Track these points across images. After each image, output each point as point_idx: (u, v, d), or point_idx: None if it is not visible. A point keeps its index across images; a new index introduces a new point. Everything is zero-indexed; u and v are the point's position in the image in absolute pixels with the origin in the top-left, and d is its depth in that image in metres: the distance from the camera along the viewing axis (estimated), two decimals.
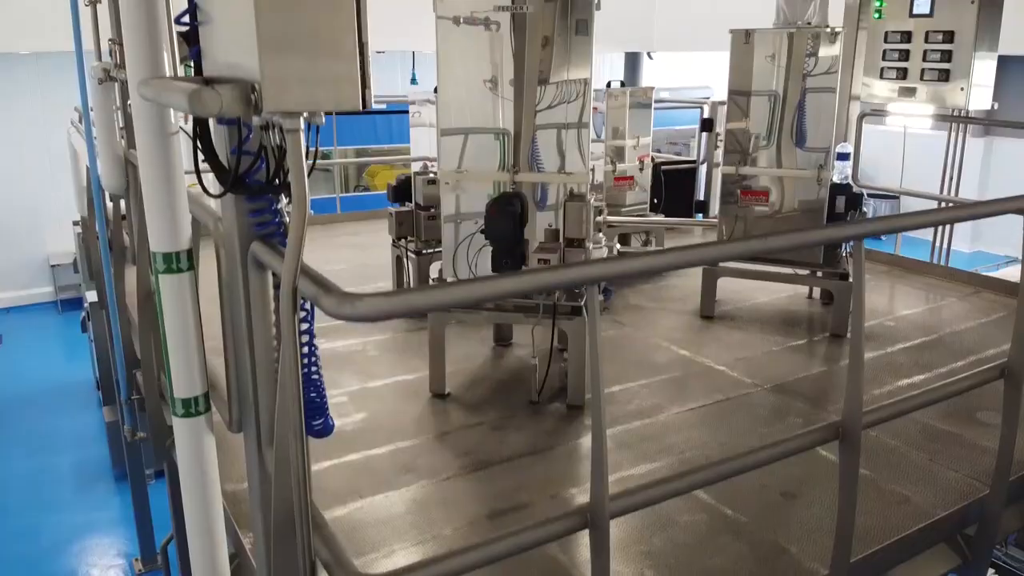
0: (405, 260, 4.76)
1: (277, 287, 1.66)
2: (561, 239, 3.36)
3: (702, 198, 7.06)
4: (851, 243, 4.44)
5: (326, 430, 1.97)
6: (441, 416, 3.47)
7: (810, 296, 5.08)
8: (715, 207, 6.03)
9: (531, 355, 3.58)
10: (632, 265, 1.60)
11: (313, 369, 1.92)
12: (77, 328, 11.37)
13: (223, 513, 2.06)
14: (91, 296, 8.32)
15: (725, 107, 4.90)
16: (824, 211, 4.40)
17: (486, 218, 3.32)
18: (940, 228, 5.92)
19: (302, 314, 1.74)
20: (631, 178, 5.47)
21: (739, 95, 4.64)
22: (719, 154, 6.48)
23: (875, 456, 3.06)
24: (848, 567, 2.20)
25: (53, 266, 13.20)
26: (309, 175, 1.40)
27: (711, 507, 2.73)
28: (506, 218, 3.29)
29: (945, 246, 7.39)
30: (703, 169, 7.03)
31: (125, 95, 3.22)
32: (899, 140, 10.95)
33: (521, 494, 2.83)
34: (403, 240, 4.63)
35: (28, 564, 7.01)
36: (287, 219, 1.60)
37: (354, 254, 6.29)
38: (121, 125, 3.32)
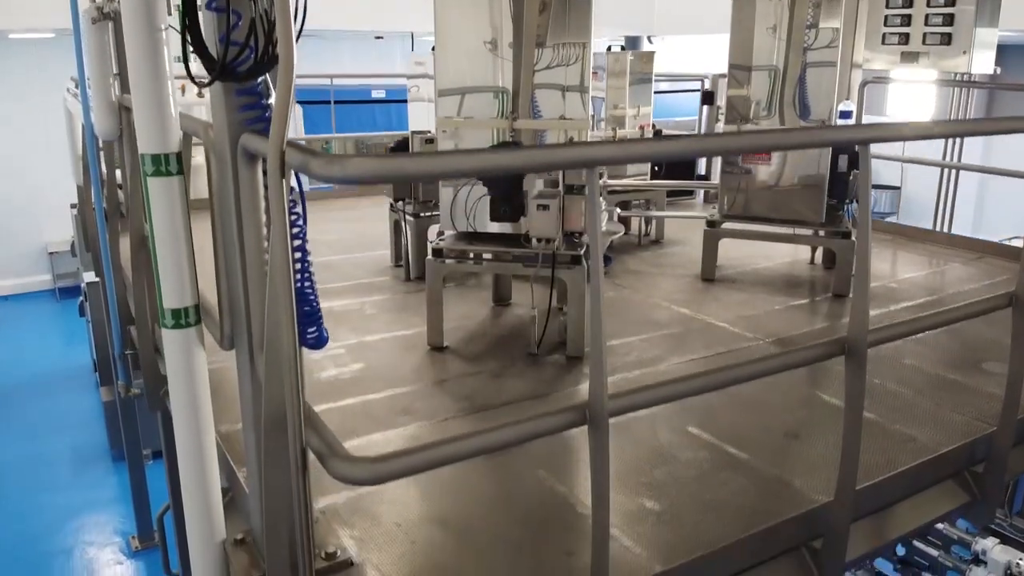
0: (403, 224, 4.70)
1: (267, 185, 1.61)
2: (561, 186, 3.32)
3: (703, 172, 7.01)
4: (854, 203, 4.40)
5: (320, 342, 1.92)
6: (439, 366, 3.42)
7: (812, 262, 5.04)
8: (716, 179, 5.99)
9: (530, 308, 3.53)
10: (636, 149, 1.56)
11: (307, 285, 1.87)
12: (75, 315, 11.33)
13: (213, 431, 2.02)
14: (88, 277, 8.29)
15: (726, 79, 4.86)
16: (827, 172, 4.36)
17: None
18: (941, 205, 5.85)
19: (292, 216, 1.70)
20: None
21: (739, 69, 4.59)
22: (720, 127, 6.46)
23: (881, 401, 3.01)
24: (853, 495, 2.15)
25: (51, 254, 13.15)
26: (297, 40, 1.36)
27: (713, 445, 2.68)
28: None
29: (946, 229, 7.35)
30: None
31: (119, 37, 3.18)
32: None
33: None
34: (401, 202, 4.58)
35: (25, 542, 6.95)
36: None
37: (351, 226, 6.24)
38: (115, 71, 3.27)
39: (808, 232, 4.51)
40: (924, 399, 3.06)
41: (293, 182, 1.47)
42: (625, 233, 5.83)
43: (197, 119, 1.97)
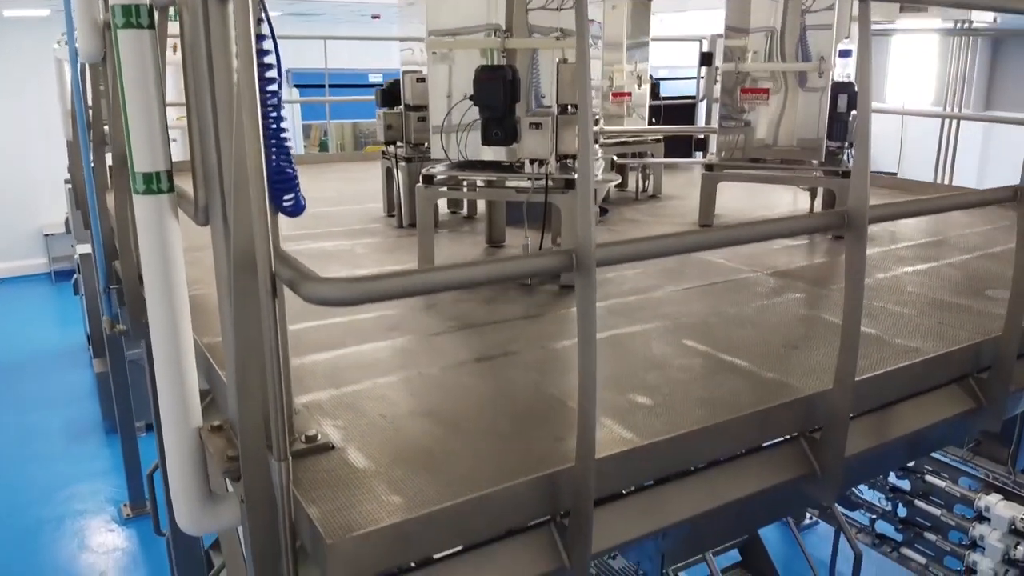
0: (395, 170, 4.63)
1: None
2: (555, 106, 3.24)
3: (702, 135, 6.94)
4: (852, 147, 4.32)
5: (298, 208, 1.84)
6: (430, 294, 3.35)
7: (812, 211, 4.95)
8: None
9: (524, 242, 3.46)
10: None
11: (281, 138, 1.79)
12: (70, 297, 11.27)
13: (188, 307, 1.94)
14: (82, 249, 8.23)
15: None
16: (825, 110, 4.28)
17: (475, 83, 3.19)
18: (942, 158, 5.77)
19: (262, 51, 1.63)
20: (628, 94, 5.35)
21: (736, 31, 4.49)
22: (718, 89, 6.39)
23: (882, 320, 2.93)
24: (853, 382, 2.07)
25: (47, 236, 13.08)
26: None
27: (708, 354, 2.60)
28: (496, 84, 3.17)
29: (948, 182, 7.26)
30: (703, 106, 6.91)
31: None
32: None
33: (511, 345, 2.70)
34: (392, 146, 4.51)
35: (16, 511, 6.88)
36: None
37: (347, 185, 6.19)
38: None
39: (808, 174, 4.42)
40: (927, 319, 2.98)
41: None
42: (622, 189, 5.77)
43: None
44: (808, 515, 6.76)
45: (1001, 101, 7.73)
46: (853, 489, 6.25)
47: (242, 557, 2.30)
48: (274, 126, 1.73)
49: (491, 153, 3.46)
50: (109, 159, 3.57)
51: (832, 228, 1.91)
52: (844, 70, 4.33)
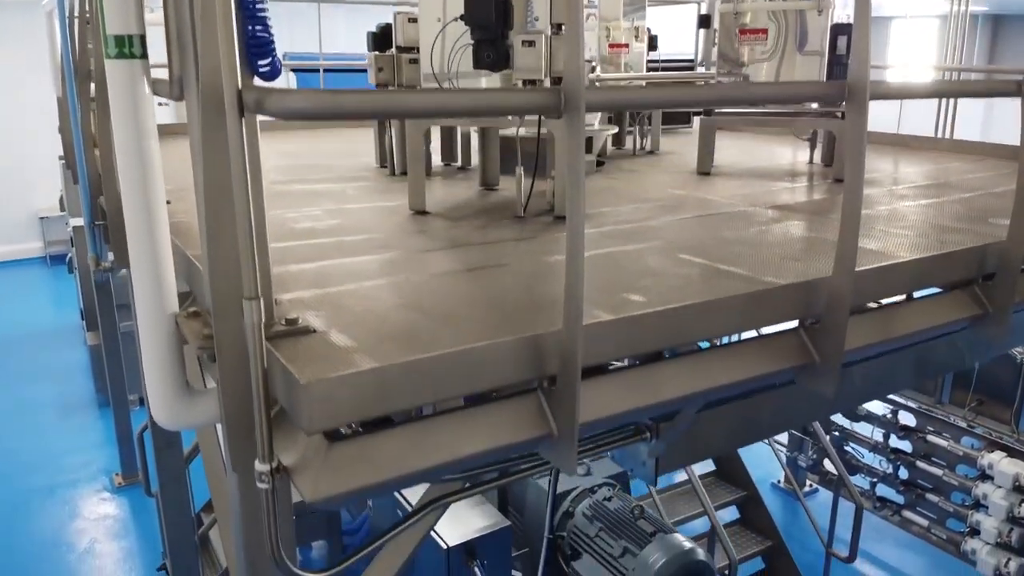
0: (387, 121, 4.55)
1: None
2: (549, 25, 3.17)
3: None
4: None
5: (274, 72, 1.76)
6: (420, 221, 3.27)
7: (811, 161, 4.89)
8: None
9: (517, 165, 3.38)
10: None
11: (256, 17, 1.72)
12: (65, 280, 11.21)
13: (161, 180, 1.86)
14: (75, 222, 8.18)
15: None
16: (825, 52, 4.20)
17: (466, 1, 3.12)
18: (942, 116, 5.67)
19: None
20: (626, 45, 5.27)
21: None
22: (716, 52, 6.31)
23: (882, 239, 2.85)
24: (854, 268, 1.99)
25: (42, 218, 13.01)
26: None
27: (705, 265, 2.52)
28: (489, 2, 3.09)
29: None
30: (700, 71, 6.83)
31: None
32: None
33: (502, 259, 2.63)
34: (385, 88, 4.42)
35: (7, 481, 6.82)
36: None
37: (341, 145, 6.11)
38: None
39: (808, 116, 4.35)
40: (928, 239, 2.90)
41: None
42: (619, 147, 5.69)
43: None
44: (808, 483, 6.69)
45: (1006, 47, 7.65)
46: (853, 452, 6.18)
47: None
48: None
49: (484, 83, 3.38)
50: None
51: (833, 99, 1.83)
52: (844, 11, 4.25)
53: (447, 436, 1.57)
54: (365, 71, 4.51)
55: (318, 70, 11.06)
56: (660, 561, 3.29)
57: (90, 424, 7.88)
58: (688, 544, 3.41)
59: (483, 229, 3.13)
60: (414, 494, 3.84)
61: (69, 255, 9.41)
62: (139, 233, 1.88)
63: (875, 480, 6.03)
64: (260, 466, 1.48)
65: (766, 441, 6.69)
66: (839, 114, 4.21)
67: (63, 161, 9.09)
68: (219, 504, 4.07)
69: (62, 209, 10.43)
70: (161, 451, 4.72)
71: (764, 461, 6.92)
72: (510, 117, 3.26)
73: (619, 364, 1.91)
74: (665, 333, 1.82)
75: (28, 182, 12.83)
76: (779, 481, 6.97)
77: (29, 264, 13.27)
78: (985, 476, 5.28)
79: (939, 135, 5.90)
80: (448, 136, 4.82)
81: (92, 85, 3.60)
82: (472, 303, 2.21)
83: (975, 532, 5.37)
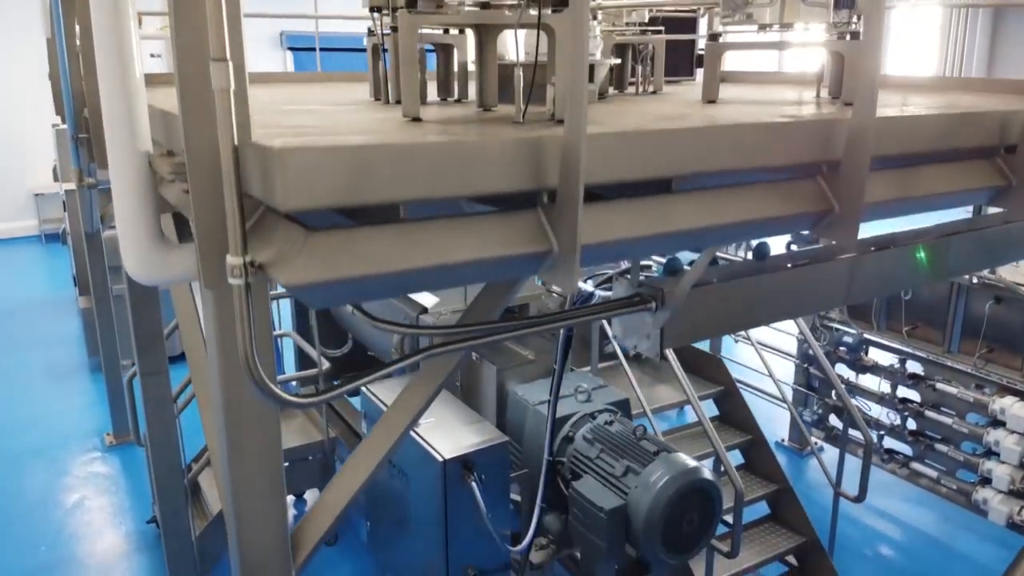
0: (380, 45, 4.41)
1: None
2: None
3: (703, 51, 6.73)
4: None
5: None
6: (413, 127, 3.14)
7: (818, 95, 4.76)
8: None
9: (515, 64, 3.25)
10: None
11: None
12: (60, 256, 11.09)
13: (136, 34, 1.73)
14: (68, 186, 8.06)
15: None
16: None
17: None
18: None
19: None
20: None
21: None
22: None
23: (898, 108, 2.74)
24: (874, 115, 1.86)
25: (36, 195, 12.88)
26: None
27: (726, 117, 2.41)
28: None
29: None
30: (703, 21, 6.69)
31: None
32: None
33: (495, 130, 2.51)
34: (377, 12, 4.28)
35: None
36: None
37: (336, 93, 5.98)
38: None
39: (816, 38, 4.21)
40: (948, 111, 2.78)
41: None
42: (622, 91, 5.56)
43: None
44: (814, 440, 6.55)
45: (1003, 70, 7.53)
46: (860, 405, 6.04)
47: None
48: None
49: None
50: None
51: None
52: None
53: (438, 240, 1.44)
54: (362, 51, 4.40)
55: (315, 49, 10.93)
56: (664, 478, 3.15)
57: (82, 388, 7.75)
58: (692, 463, 3.28)
59: (480, 127, 3.00)
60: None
61: (63, 227, 9.29)
62: (112, 78, 1.76)
63: (882, 432, 5.89)
64: (232, 259, 1.35)
65: (769, 399, 6.57)
66: (847, 35, 4.07)
67: (55, 129, 8.98)
68: (211, 440, 3.95)
69: (55, 179, 10.28)
70: (150, 398, 4.62)
71: (766, 422, 6.81)
72: (508, 12, 3.13)
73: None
74: (675, 157, 1.69)
75: (22, 159, 12.70)
76: (783, 440, 6.83)
77: (24, 242, 13.14)
78: (996, 423, 5.14)
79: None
80: (444, 65, 4.69)
81: None
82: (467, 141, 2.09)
83: (986, 481, 5.23)
